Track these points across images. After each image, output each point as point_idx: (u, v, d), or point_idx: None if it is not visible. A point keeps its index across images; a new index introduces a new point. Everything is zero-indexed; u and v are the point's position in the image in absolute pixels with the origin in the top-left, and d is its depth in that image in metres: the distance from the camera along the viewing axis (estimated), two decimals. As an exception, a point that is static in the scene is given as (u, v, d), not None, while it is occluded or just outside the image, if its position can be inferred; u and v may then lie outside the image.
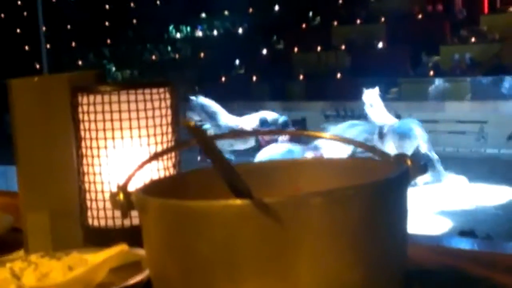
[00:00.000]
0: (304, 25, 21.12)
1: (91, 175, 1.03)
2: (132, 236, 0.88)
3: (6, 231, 1.22)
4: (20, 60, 21.28)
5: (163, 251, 0.68)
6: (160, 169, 1.03)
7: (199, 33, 23.80)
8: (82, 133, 1.03)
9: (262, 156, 11.14)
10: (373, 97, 12.87)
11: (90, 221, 1.04)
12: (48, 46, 19.18)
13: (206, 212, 0.64)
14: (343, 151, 9.71)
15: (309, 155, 10.85)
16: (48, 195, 1.10)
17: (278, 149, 11.38)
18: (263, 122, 13.75)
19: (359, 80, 15.47)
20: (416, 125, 12.49)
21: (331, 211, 0.63)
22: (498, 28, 17.34)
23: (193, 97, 13.82)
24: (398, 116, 13.52)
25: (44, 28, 17.85)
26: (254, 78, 19.81)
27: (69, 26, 24.78)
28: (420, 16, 19.12)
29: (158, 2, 24.45)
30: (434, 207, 10.49)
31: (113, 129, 1.01)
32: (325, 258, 0.63)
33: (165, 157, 1.04)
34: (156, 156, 0.97)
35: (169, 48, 23.59)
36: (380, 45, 18.91)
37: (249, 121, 13.95)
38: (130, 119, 1.01)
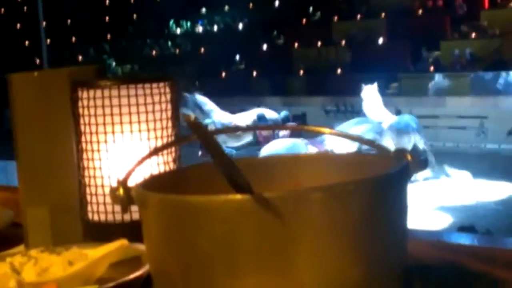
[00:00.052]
0: (304, 20, 21.11)
1: (91, 169, 1.03)
2: (132, 231, 0.88)
3: (6, 226, 1.22)
4: (21, 55, 21.28)
5: (163, 246, 0.68)
6: (160, 164, 1.03)
7: (200, 28, 23.79)
8: (82, 127, 1.03)
9: (267, 150, 11.13)
10: (372, 93, 12.87)
11: (90, 216, 1.04)
12: (48, 41, 19.18)
13: (206, 207, 0.64)
14: (349, 146, 9.68)
15: (313, 149, 10.85)
16: (48, 190, 1.10)
17: (283, 144, 11.37)
18: (261, 118, 13.76)
19: (359, 75, 15.47)
20: (413, 121, 12.50)
21: (331, 206, 0.63)
22: (499, 23, 17.33)
23: (186, 94, 13.85)
24: (398, 112, 13.53)
25: (44, 23, 17.85)
26: (255, 73, 19.81)
27: (69, 21, 24.76)
28: (420, 11, 19.11)
29: (158, -3, 24.43)
30: (434, 203, 10.50)
31: (113, 124, 1.01)
32: (325, 253, 0.63)
33: (165, 152, 1.03)
34: (156, 151, 0.97)
35: (169, 43, 23.58)
36: (381, 40, 18.90)
37: (243, 118, 13.96)
38: (130, 113, 1.01)
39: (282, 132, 12.37)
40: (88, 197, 1.04)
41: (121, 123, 1.01)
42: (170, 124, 1.04)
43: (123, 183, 0.73)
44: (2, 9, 24.75)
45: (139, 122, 1.02)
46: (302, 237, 0.62)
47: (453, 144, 14.79)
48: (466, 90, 16.03)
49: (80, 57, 23.31)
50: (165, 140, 1.04)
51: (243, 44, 20.72)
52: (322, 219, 0.63)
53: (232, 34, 22.06)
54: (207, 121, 13.45)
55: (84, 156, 1.04)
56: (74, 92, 1.03)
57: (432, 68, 17.23)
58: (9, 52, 21.55)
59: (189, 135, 0.77)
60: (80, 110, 1.03)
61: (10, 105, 1.12)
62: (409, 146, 11.61)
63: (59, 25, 23.43)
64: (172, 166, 1.04)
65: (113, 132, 1.01)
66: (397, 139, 11.99)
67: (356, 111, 14.34)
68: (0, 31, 22.97)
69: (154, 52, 23.45)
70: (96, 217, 1.03)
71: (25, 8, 23.66)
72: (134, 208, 0.73)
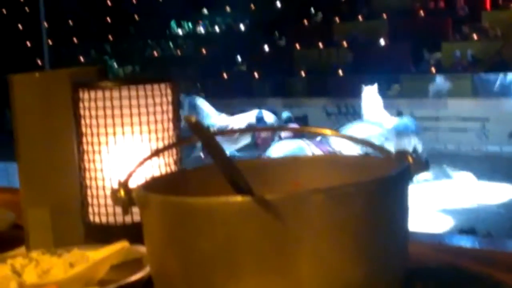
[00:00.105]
0: (305, 22, 21.10)
1: (92, 171, 1.03)
2: (133, 232, 0.88)
3: (7, 228, 1.22)
4: (22, 56, 21.28)
5: (164, 248, 0.68)
6: (161, 166, 1.03)
7: (201, 30, 23.79)
8: (83, 128, 1.03)
9: (275, 152, 11.11)
10: (372, 94, 12.86)
11: (91, 217, 1.04)
12: (49, 42, 19.19)
13: (207, 208, 0.64)
14: (354, 148, 9.64)
15: (317, 151, 10.83)
16: (49, 192, 1.10)
17: (288, 147, 11.33)
18: (260, 120, 13.75)
19: (361, 76, 15.45)
20: (412, 123, 12.51)
21: (332, 208, 0.63)
22: (500, 24, 17.31)
23: (182, 95, 13.83)
24: (399, 113, 13.52)
25: (46, 24, 17.86)
26: (256, 74, 19.81)
27: (70, 22, 24.77)
28: (422, 12, 19.10)
29: (160, -2, 24.44)
30: (436, 205, 10.48)
31: (114, 125, 1.01)
32: (325, 254, 0.63)
33: (166, 153, 1.03)
34: (157, 152, 0.97)
35: (171, 45, 23.58)
36: (382, 41, 18.89)
37: (239, 120, 13.94)
38: (131, 115, 1.01)
39: (284, 134, 12.35)
40: (89, 199, 1.04)
41: (122, 124, 1.01)
42: (171, 125, 1.04)
43: (124, 184, 0.73)
44: (4, 10, 24.77)
45: (140, 123, 1.02)
46: (303, 239, 0.62)
47: (455, 146, 14.78)
48: (467, 92, 16.01)
49: (81, 58, 23.32)
50: (166, 142, 1.04)
51: (245, 45, 20.71)
52: (323, 220, 0.63)
53: (233, 35, 22.06)
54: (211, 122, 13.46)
55: (85, 157, 1.04)
56: (75, 93, 1.03)
57: (433, 69, 17.21)
58: (11, 52, 21.55)
59: (190, 136, 0.77)
60: (81, 111, 1.02)
61: (11, 106, 1.12)
62: (409, 148, 11.60)
63: (61, 26, 23.44)
64: (173, 167, 1.04)
65: (114, 134, 1.01)
66: (397, 141, 11.98)
67: (357, 113, 14.32)
68: (1, 32, 22.97)
69: (155, 53, 23.45)
70: (97, 219, 1.03)
71: (27, 9, 23.67)
72: (135, 209, 0.73)
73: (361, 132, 11.54)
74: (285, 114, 14.26)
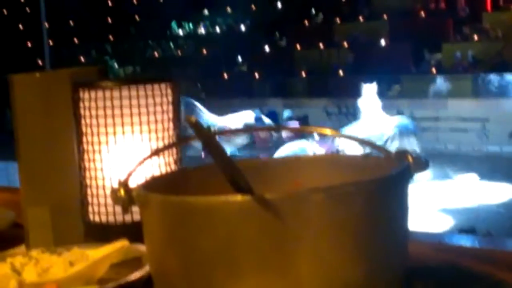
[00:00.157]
0: (306, 22, 21.10)
1: (92, 170, 1.03)
2: (133, 232, 0.88)
3: (7, 226, 1.22)
4: (23, 56, 21.28)
5: (164, 247, 0.68)
6: (161, 165, 1.03)
7: (202, 30, 23.78)
8: (84, 128, 1.03)
9: (283, 153, 11.09)
10: (371, 93, 12.86)
11: (91, 216, 1.04)
12: (50, 42, 19.19)
13: (207, 208, 0.64)
14: (358, 148, 9.62)
15: (321, 150, 10.83)
16: (49, 191, 1.10)
17: (293, 149, 11.30)
18: (258, 120, 13.74)
19: (362, 77, 15.45)
20: (411, 123, 12.51)
21: (332, 207, 0.63)
22: (501, 26, 17.30)
23: None
24: (400, 113, 13.52)
25: (46, 24, 17.86)
26: (256, 75, 19.81)
27: (71, 22, 24.77)
28: (422, 13, 19.09)
29: (160, -1, 24.44)
30: (436, 204, 10.48)
31: (114, 125, 1.01)
32: (325, 254, 0.63)
33: (166, 153, 1.04)
34: (157, 152, 0.97)
35: (172, 45, 23.58)
36: (383, 42, 18.88)
37: (234, 120, 13.93)
38: (131, 114, 1.01)
39: (285, 134, 12.34)
40: (89, 198, 1.04)
41: (122, 124, 1.01)
42: (171, 125, 1.04)
43: (124, 184, 0.73)
44: (4, 10, 24.77)
45: (140, 123, 1.02)
46: (303, 238, 0.62)
47: (455, 146, 14.77)
48: (468, 93, 16.01)
49: (82, 59, 23.32)
50: (166, 141, 1.04)
51: (245, 46, 20.70)
52: (323, 220, 0.63)
53: (234, 36, 22.05)
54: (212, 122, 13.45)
55: (85, 157, 1.04)
56: (75, 93, 1.03)
57: (434, 70, 17.19)
58: (11, 53, 21.56)
59: (191, 136, 0.77)
60: (82, 111, 1.03)
61: (11, 106, 1.12)
62: (408, 148, 11.58)
63: (61, 26, 23.43)
64: (173, 167, 1.04)
65: (114, 133, 1.01)
66: (396, 141, 11.98)
67: (358, 113, 14.32)
68: (2, 32, 22.98)
69: (156, 54, 23.45)
70: (97, 218, 1.03)
71: (28, 9, 23.68)
72: (135, 209, 0.73)
73: (361, 132, 11.54)
74: (286, 114, 14.26)
